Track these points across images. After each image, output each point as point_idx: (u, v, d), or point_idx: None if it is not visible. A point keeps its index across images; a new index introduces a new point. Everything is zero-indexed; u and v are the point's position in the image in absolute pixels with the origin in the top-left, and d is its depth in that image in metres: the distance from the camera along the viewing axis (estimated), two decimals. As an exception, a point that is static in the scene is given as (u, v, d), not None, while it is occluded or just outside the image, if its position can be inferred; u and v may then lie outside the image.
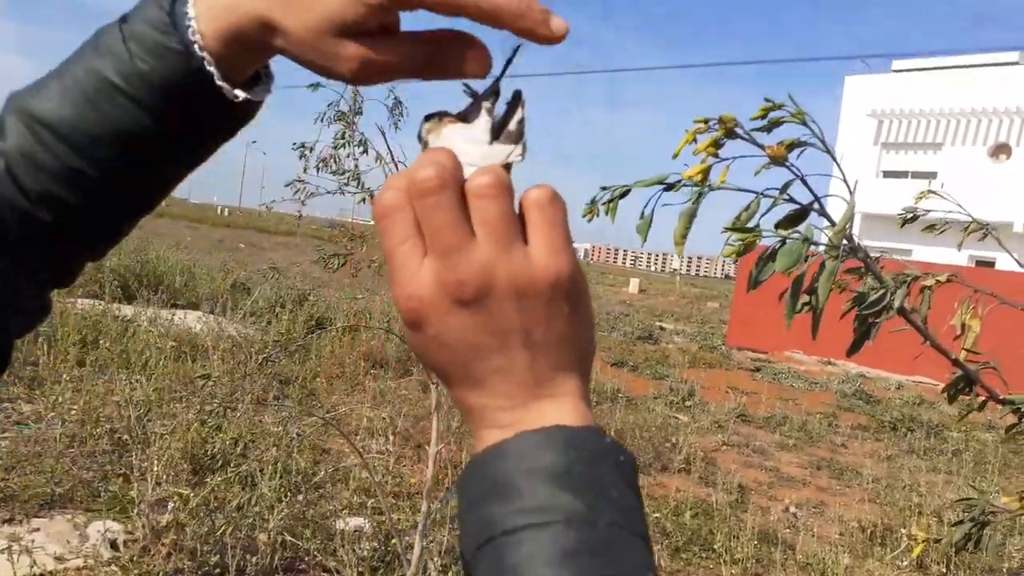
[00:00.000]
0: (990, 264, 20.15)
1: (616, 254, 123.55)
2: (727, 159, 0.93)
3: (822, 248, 1.00)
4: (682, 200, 0.94)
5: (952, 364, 1.18)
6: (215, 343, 7.22)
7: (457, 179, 0.43)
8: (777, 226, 1.03)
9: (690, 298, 37.63)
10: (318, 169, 3.68)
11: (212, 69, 0.48)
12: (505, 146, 0.45)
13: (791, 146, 0.94)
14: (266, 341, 8.18)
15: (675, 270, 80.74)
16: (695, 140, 0.90)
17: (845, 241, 1.02)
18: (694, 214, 0.93)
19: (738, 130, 0.92)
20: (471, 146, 0.45)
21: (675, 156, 0.90)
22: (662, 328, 19.02)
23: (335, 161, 3.63)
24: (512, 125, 0.46)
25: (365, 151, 3.57)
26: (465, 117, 0.46)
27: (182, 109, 0.49)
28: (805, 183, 0.96)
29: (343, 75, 0.48)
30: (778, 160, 0.92)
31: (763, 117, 0.94)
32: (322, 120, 3.60)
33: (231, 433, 4.84)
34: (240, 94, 0.49)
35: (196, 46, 0.47)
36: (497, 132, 0.46)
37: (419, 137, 0.47)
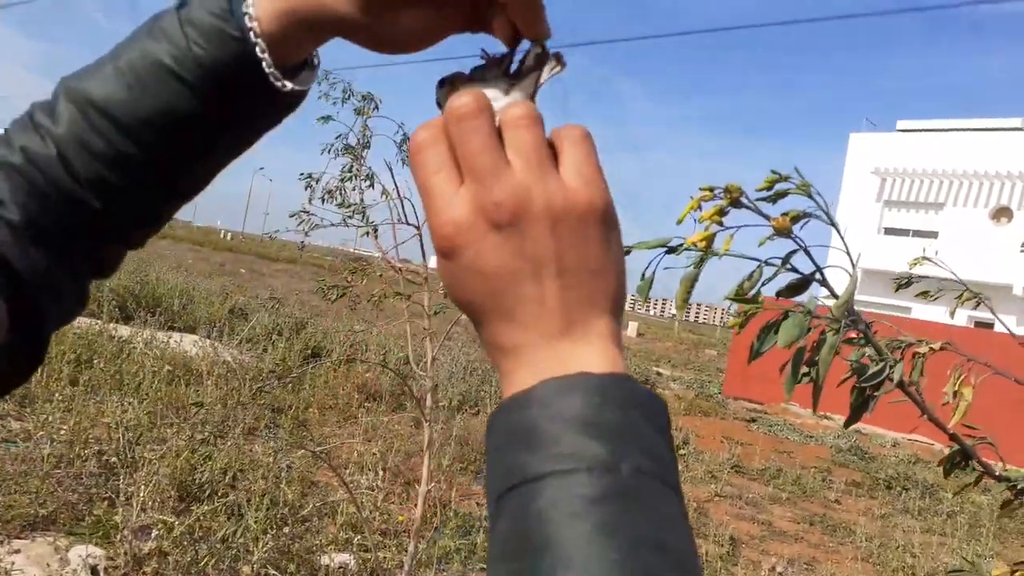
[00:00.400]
0: (988, 326, 20.15)
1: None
2: (731, 227, 0.94)
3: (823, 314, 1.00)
4: (684, 264, 0.95)
5: (949, 439, 1.17)
6: (210, 368, 7.19)
7: (491, 108, 0.44)
8: (778, 294, 1.03)
9: (688, 344, 37.56)
10: (323, 200, 3.70)
11: (265, 56, 0.49)
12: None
13: (795, 218, 0.94)
14: (261, 368, 8.14)
15: (674, 315, 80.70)
16: (700, 207, 0.91)
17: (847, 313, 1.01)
18: (696, 279, 0.93)
19: (743, 199, 0.93)
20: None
21: (679, 222, 0.90)
22: (659, 374, 18.95)
23: (341, 194, 3.65)
24: (526, 82, 0.47)
25: (371, 185, 3.60)
26: (482, 77, 0.48)
27: (233, 95, 0.50)
28: (808, 254, 0.96)
29: (400, 46, 0.50)
30: (782, 232, 0.93)
31: (769, 188, 0.94)
32: (329, 152, 3.63)
33: (220, 462, 4.80)
34: (288, 84, 0.51)
35: (252, 32, 0.48)
36: (509, 88, 0.47)
37: (437, 103, 0.47)
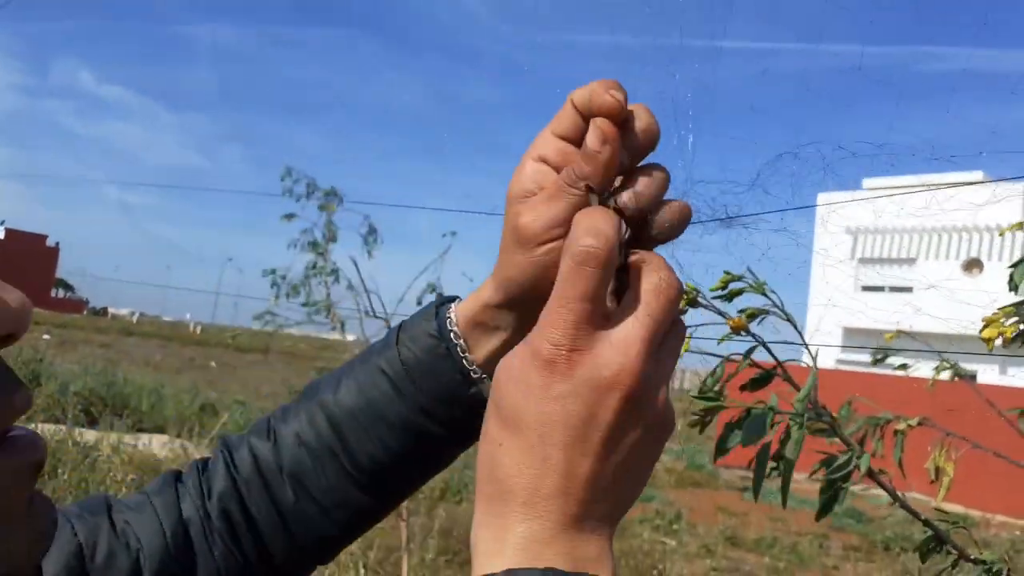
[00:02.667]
0: (972, 376, 20.15)
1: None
2: (690, 326, 0.90)
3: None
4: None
5: (923, 524, 1.12)
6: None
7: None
8: (742, 389, 0.99)
9: (676, 412, 37.25)
10: (288, 296, 3.63)
11: (460, 346, 0.59)
12: None
13: (751, 316, 0.91)
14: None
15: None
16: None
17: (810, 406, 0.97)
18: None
19: (700, 299, 0.90)
20: None
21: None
22: (647, 444, 18.67)
23: (306, 290, 3.59)
24: None
25: (337, 280, 3.54)
26: None
27: (446, 403, 0.59)
28: (768, 349, 0.92)
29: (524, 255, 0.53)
30: (739, 330, 0.89)
31: (723, 288, 0.91)
32: (295, 247, 3.59)
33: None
34: (479, 371, 0.59)
35: (453, 335, 0.59)
36: None
37: None
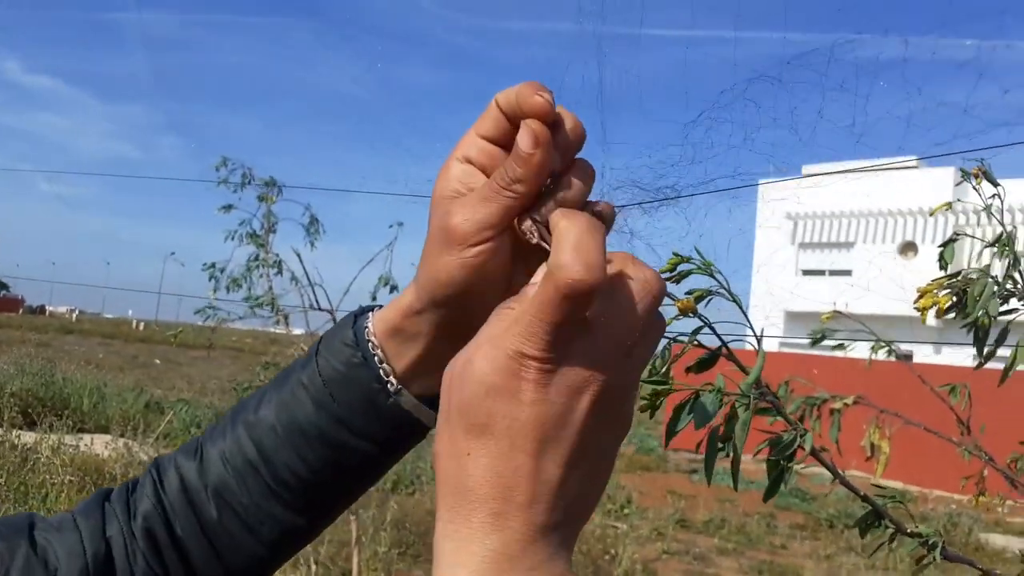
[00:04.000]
0: (908, 357, 20.85)
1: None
2: None
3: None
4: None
5: (861, 500, 1.15)
6: (124, 471, 6.78)
7: None
8: (688, 371, 0.99)
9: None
10: (228, 290, 3.54)
11: (377, 356, 0.58)
12: None
13: (699, 297, 0.92)
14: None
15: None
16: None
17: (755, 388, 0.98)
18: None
19: None
20: None
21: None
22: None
23: (247, 283, 3.51)
24: None
25: (279, 272, 3.47)
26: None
27: (364, 415, 0.59)
28: (713, 330, 0.92)
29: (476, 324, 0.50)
30: (687, 312, 0.90)
31: (672, 270, 0.92)
32: (233, 238, 3.50)
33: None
34: (395, 383, 0.58)
35: (371, 344, 0.58)
36: None
37: None
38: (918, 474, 12.98)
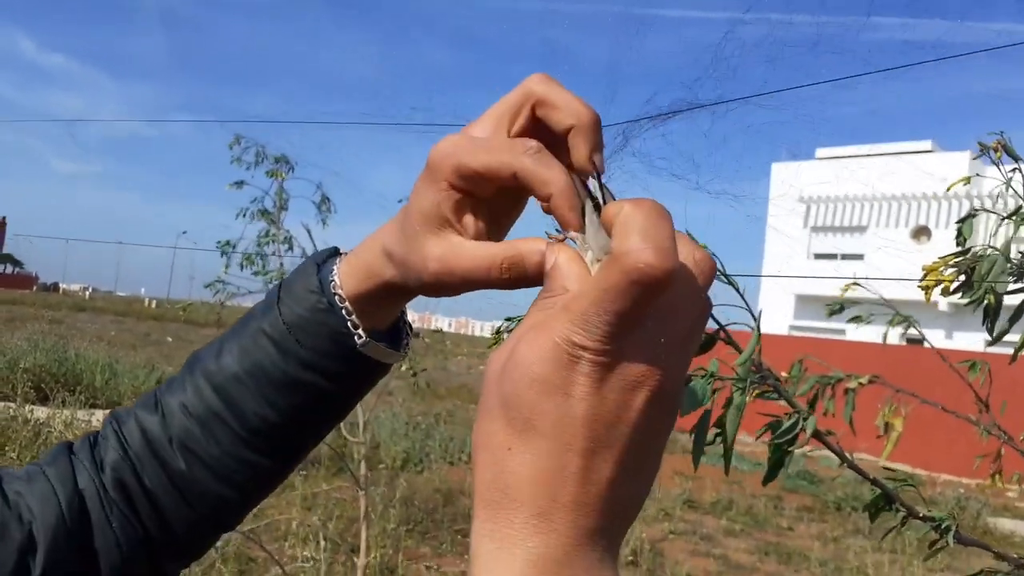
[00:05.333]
0: (919, 342, 20.72)
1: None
2: None
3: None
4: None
5: (871, 484, 1.14)
6: (138, 446, 6.85)
7: None
8: None
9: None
10: (241, 267, 3.57)
11: (345, 308, 0.58)
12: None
13: None
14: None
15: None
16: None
17: (753, 370, 0.97)
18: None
19: None
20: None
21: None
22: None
23: (260, 259, 3.53)
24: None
25: (291, 248, 3.49)
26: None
27: (332, 357, 0.59)
28: (710, 314, 0.92)
29: (425, 276, 0.50)
30: None
31: None
32: (244, 216, 3.52)
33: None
34: (363, 335, 0.58)
35: (338, 298, 0.58)
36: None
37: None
38: (926, 458, 12.97)
